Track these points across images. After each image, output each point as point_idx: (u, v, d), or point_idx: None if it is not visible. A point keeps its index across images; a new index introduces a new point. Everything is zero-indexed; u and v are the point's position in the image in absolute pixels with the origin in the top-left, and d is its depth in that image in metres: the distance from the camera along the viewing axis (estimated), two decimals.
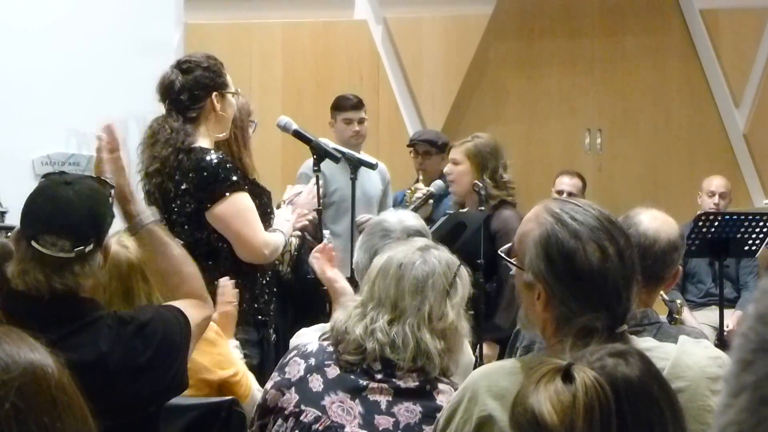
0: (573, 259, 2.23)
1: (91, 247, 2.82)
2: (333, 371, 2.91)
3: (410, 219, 3.71)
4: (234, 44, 7.85)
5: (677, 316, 5.52)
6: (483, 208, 5.44)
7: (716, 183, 7.58)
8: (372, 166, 5.60)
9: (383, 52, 8.40)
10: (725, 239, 6.26)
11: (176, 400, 3.09)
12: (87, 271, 2.83)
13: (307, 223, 4.77)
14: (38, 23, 6.67)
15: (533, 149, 8.51)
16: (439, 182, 6.10)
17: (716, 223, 6.27)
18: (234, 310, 4.01)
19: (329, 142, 5.32)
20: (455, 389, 2.79)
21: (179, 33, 7.55)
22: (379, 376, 2.89)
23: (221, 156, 4.25)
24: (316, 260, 3.89)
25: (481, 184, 5.47)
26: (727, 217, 6.39)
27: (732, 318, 6.80)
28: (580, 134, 8.63)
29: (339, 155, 5.08)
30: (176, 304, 3.03)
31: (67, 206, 2.83)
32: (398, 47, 8.40)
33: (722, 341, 6.13)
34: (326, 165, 5.07)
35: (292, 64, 8.23)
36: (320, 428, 2.86)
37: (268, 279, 4.40)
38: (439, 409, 2.76)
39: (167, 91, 4.33)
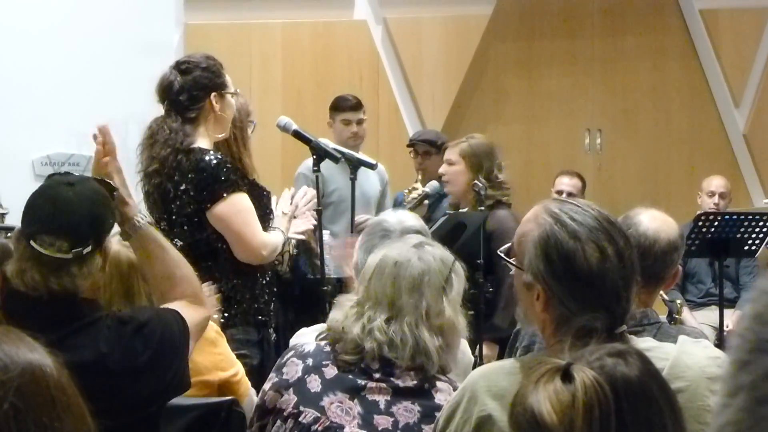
0: (572, 260, 2.23)
1: (89, 248, 2.82)
2: (331, 371, 2.90)
3: (410, 219, 3.70)
4: (234, 44, 7.84)
5: (677, 316, 5.51)
6: (483, 208, 5.44)
7: (716, 183, 7.58)
8: (372, 166, 5.60)
9: (383, 53, 8.39)
10: (725, 239, 6.25)
11: (176, 401, 3.09)
12: (85, 272, 2.82)
13: (311, 227, 4.76)
14: (38, 24, 6.68)
15: (533, 149, 8.50)
16: (434, 183, 6.08)
17: (716, 223, 6.26)
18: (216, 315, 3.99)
19: (329, 143, 5.32)
20: (454, 387, 2.79)
21: (179, 33, 7.56)
22: (377, 376, 2.88)
23: (220, 156, 4.25)
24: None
25: (480, 184, 5.47)
26: (727, 217, 6.38)
27: (732, 318, 6.79)
28: (579, 134, 8.62)
29: (339, 155, 5.07)
30: (172, 305, 3.02)
31: (66, 207, 2.83)
32: (398, 47, 8.40)
33: (722, 341, 6.13)
34: (325, 165, 5.06)
35: (292, 64, 8.22)
36: (319, 429, 2.85)
37: (268, 279, 4.40)
38: (437, 408, 2.76)
39: (166, 91, 4.32)
